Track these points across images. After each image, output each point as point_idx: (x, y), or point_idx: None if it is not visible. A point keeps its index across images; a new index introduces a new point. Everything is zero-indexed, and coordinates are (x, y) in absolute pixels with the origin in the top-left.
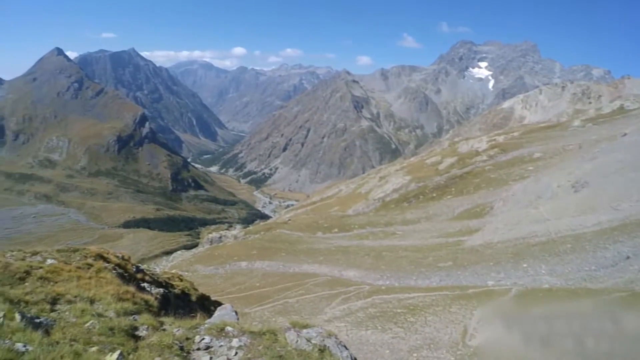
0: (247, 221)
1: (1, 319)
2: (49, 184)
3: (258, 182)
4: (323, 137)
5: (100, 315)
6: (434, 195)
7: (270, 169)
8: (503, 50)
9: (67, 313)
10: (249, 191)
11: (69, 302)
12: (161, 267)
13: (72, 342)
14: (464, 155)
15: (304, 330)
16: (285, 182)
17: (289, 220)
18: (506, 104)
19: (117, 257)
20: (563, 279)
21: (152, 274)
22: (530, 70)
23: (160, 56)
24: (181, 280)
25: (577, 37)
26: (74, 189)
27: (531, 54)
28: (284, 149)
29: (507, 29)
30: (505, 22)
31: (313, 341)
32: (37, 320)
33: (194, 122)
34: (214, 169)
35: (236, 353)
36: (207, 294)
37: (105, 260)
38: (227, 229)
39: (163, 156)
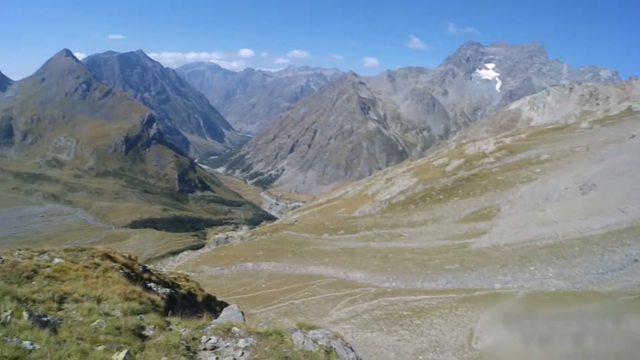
0: (253, 222)
1: (9, 317)
2: (56, 184)
3: (264, 183)
4: (330, 139)
5: (107, 314)
6: (441, 197)
7: (277, 171)
8: (510, 52)
9: (74, 312)
10: (255, 192)
11: (76, 301)
12: (167, 267)
13: (79, 341)
14: (471, 157)
15: (311, 332)
16: (292, 184)
17: (296, 221)
18: (513, 106)
19: (124, 256)
20: (570, 282)
21: (159, 274)
22: (538, 72)
23: (168, 58)
24: (187, 280)
25: (585, 38)
26: (81, 189)
27: (538, 55)
28: (291, 151)
29: (514, 30)
30: (513, 23)
31: (319, 342)
32: (45, 319)
33: (201, 123)
34: (220, 170)
35: (242, 353)
36: (213, 295)
37: (112, 259)
38: (233, 230)
39: (170, 157)
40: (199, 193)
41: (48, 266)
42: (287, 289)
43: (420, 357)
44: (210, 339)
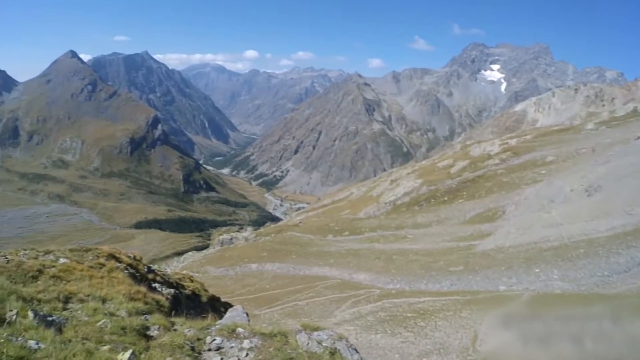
0: (257, 223)
1: (14, 317)
2: (62, 184)
3: (269, 184)
4: (334, 140)
5: (112, 314)
6: (446, 198)
7: (282, 172)
8: (515, 53)
9: (79, 312)
10: (260, 193)
11: (81, 301)
12: (172, 268)
13: (84, 341)
14: (476, 159)
15: (315, 333)
16: (297, 185)
17: (300, 222)
18: (519, 107)
19: (129, 257)
20: (575, 284)
21: (163, 275)
22: (543, 73)
23: (173, 59)
24: (192, 281)
25: (590, 39)
26: (86, 190)
27: (543, 56)
28: (296, 152)
29: (519, 31)
30: (518, 24)
31: (324, 344)
32: (50, 319)
33: (206, 125)
34: (225, 171)
35: (247, 354)
36: (218, 295)
37: (117, 260)
38: (237, 231)
39: (175, 158)
40: (203, 194)
41: (53, 266)
42: (291, 290)
43: (424, 359)
44: (215, 339)
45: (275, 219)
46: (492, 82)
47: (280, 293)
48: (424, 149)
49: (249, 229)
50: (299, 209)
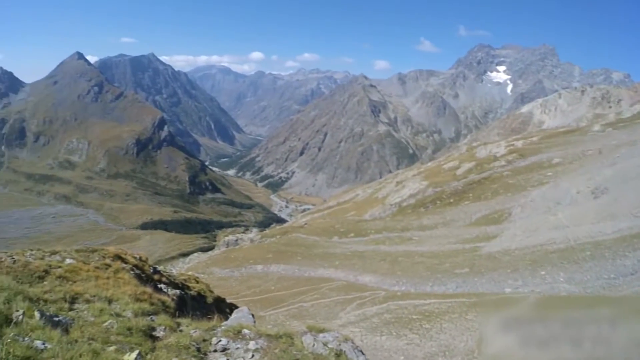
0: (263, 225)
1: (21, 317)
2: (68, 185)
3: (275, 185)
4: (340, 142)
5: (118, 315)
6: (451, 200)
7: (287, 173)
8: (521, 54)
9: (85, 312)
10: (265, 195)
11: (87, 301)
12: (177, 269)
13: (91, 341)
14: (482, 161)
15: (321, 335)
16: (302, 186)
17: (305, 224)
18: (525, 109)
19: (135, 258)
20: (581, 287)
21: (169, 276)
22: (549, 74)
23: (179, 61)
24: (197, 282)
25: (596, 41)
26: (93, 190)
27: (550, 57)
28: (301, 153)
29: (525, 33)
30: (523, 26)
31: (329, 345)
32: (56, 319)
33: (212, 126)
34: (231, 172)
35: (253, 355)
36: (223, 297)
37: (123, 260)
38: (243, 232)
39: (181, 159)
40: (209, 195)
41: (59, 266)
42: (297, 291)
43: None
44: (220, 340)
45: (281, 221)
46: (498, 83)
47: (285, 294)
48: (430, 151)
49: (255, 230)
50: (304, 210)
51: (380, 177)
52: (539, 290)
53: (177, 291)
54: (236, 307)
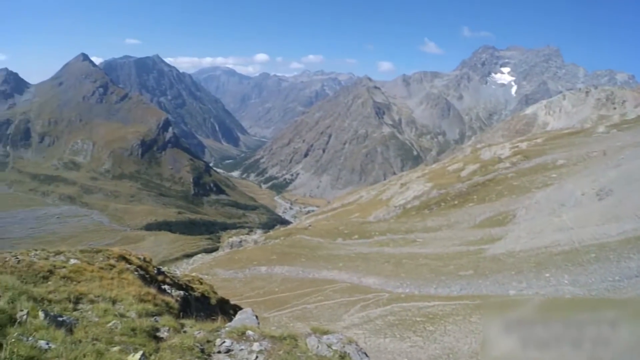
0: (267, 226)
1: (25, 317)
2: (73, 186)
3: (279, 187)
4: (344, 143)
5: (122, 315)
6: (456, 202)
7: (292, 175)
8: (526, 55)
9: (89, 312)
10: (269, 196)
11: (91, 301)
12: (181, 270)
13: (95, 342)
14: (487, 162)
15: (325, 336)
16: (306, 188)
17: (309, 226)
18: (529, 110)
19: (139, 258)
20: (586, 289)
21: (173, 277)
22: (554, 76)
23: (184, 62)
24: (201, 283)
25: (600, 42)
26: (97, 191)
27: (554, 58)
28: (305, 155)
29: (529, 34)
30: (528, 27)
31: (334, 347)
32: (60, 319)
33: (217, 128)
34: (235, 173)
35: (257, 357)
36: (227, 298)
37: (127, 261)
38: (247, 234)
39: (185, 160)
40: (213, 196)
41: (64, 267)
42: (300, 293)
43: None
44: (224, 342)
45: (285, 222)
46: (503, 85)
47: (289, 296)
48: (434, 153)
49: (259, 231)
50: (308, 212)
51: (385, 179)
52: (543, 293)
53: (181, 292)
54: (240, 309)
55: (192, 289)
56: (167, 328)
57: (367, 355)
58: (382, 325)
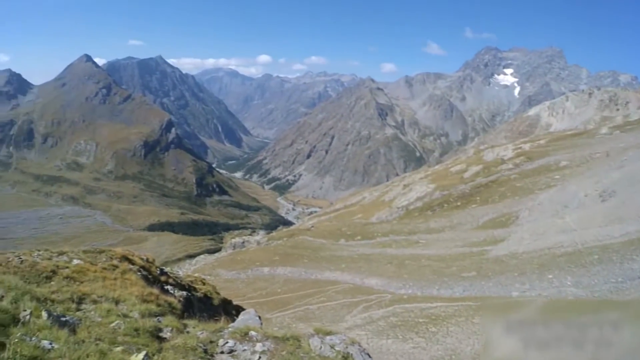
0: (270, 227)
1: (28, 317)
2: (76, 186)
3: (282, 188)
4: (347, 145)
5: (125, 315)
6: (459, 203)
7: (294, 176)
8: (529, 57)
9: (92, 313)
10: (272, 197)
11: (94, 302)
12: (184, 271)
13: (98, 342)
14: (489, 164)
15: (328, 337)
16: (309, 189)
17: (312, 227)
18: (532, 111)
19: (142, 259)
20: (589, 290)
21: (176, 277)
22: (557, 77)
23: (187, 63)
24: (204, 283)
25: (603, 43)
26: (100, 192)
27: (557, 60)
28: (308, 156)
29: (532, 35)
30: (530, 28)
31: (337, 348)
32: (63, 319)
33: (220, 129)
34: (238, 174)
35: (260, 357)
36: (229, 299)
37: (130, 262)
38: (250, 235)
39: (188, 161)
40: (216, 197)
41: (67, 267)
42: (303, 294)
43: None
44: (227, 342)
45: (288, 223)
46: (506, 86)
47: (291, 297)
48: (437, 154)
49: (261, 232)
50: (311, 213)
51: (387, 180)
52: (546, 294)
53: (184, 293)
54: (242, 309)
55: (194, 289)
56: (170, 328)
57: (369, 357)
58: (385, 327)
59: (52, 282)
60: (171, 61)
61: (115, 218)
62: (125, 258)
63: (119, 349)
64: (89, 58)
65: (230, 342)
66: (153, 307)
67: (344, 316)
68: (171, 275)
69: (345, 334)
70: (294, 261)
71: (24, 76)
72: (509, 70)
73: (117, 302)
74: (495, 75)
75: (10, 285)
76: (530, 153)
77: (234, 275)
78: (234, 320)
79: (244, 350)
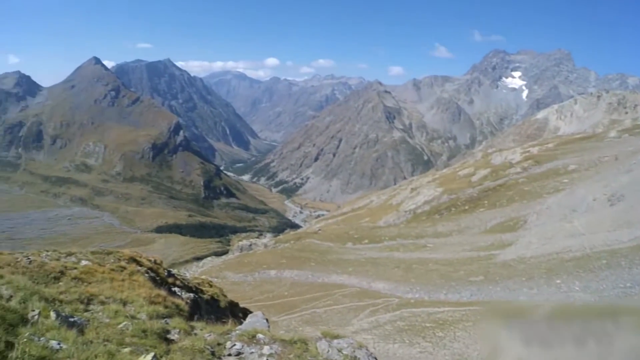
0: (277, 230)
1: (36, 317)
2: (84, 188)
3: (289, 191)
4: (355, 148)
5: (133, 317)
6: (466, 207)
7: (302, 179)
8: (537, 59)
9: (100, 313)
10: (280, 200)
11: (102, 303)
12: (191, 273)
13: (106, 342)
14: (497, 167)
15: (335, 341)
16: (317, 192)
17: (319, 230)
18: (540, 115)
19: (150, 261)
20: (597, 295)
21: (183, 279)
22: (565, 80)
23: (195, 66)
24: (211, 286)
25: (611, 46)
26: (108, 194)
27: (565, 62)
28: (316, 159)
29: (540, 38)
30: (539, 31)
31: (344, 352)
32: (72, 320)
33: (227, 131)
34: (245, 177)
35: None
36: (236, 301)
37: (138, 263)
38: (257, 237)
39: (196, 164)
40: (224, 200)
41: (75, 268)
42: (310, 297)
43: None
44: (235, 344)
45: (295, 226)
46: (514, 89)
47: (298, 300)
48: (445, 157)
49: (269, 235)
50: (318, 216)
51: (395, 184)
52: (554, 299)
53: (191, 295)
54: (249, 312)
55: (202, 291)
56: (178, 330)
57: None
58: (392, 331)
59: (61, 283)
60: (179, 64)
61: (123, 220)
62: (133, 259)
63: (127, 350)
64: (98, 61)
65: (238, 345)
66: (160, 308)
67: (350, 320)
68: (178, 277)
69: (352, 337)
70: (301, 264)
71: (34, 78)
72: (517, 73)
73: (124, 304)
74: (503, 78)
75: (18, 285)
76: (538, 157)
77: (241, 277)
78: (241, 323)
79: (252, 352)
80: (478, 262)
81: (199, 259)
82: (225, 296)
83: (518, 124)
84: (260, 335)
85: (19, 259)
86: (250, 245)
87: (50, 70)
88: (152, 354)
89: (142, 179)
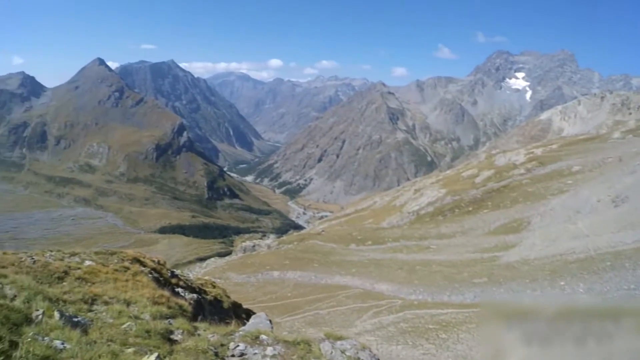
0: (280, 231)
1: (40, 317)
2: (88, 188)
3: (293, 192)
4: (358, 149)
5: (136, 317)
6: (470, 209)
7: (305, 180)
8: (540, 60)
9: (104, 314)
10: (283, 201)
11: (106, 303)
12: (194, 273)
13: (109, 343)
14: (501, 169)
15: (338, 342)
16: (320, 193)
17: (323, 231)
18: (544, 116)
19: (153, 261)
20: (601, 297)
21: (186, 280)
22: (568, 81)
23: (199, 67)
24: (214, 287)
25: (615, 46)
26: (112, 194)
27: (569, 63)
28: (319, 160)
29: (544, 39)
30: (542, 32)
31: (347, 353)
32: (75, 320)
33: (231, 132)
34: (249, 178)
35: None
36: (239, 302)
37: (142, 264)
38: (260, 238)
39: (200, 165)
40: (227, 201)
41: (79, 268)
42: (313, 298)
43: None
44: (238, 345)
45: (298, 227)
46: (517, 90)
47: (301, 301)
48: (448, 159)
49: (272, 236)
50: (321, 217)
51: (398, 185)
52: (558, 301)
53: (194, 295)
54: (252, 313)
55: (205, 292)
56: (181, 331)
57: None
58: (395, 332)
59: (64, 283)
60: (183, 65)
61: (126, 220)
62: (137, 260)
63: (130, 350)
64: (102, 62)
65: (241, 346)
66: (164, 309)
67: (353, 321)
68: (182, 277)
69: (356, 339)
70: (304, 265)
71: (38, 79)
72: (520, 74)
73: (128, 304)
74: (507, 79)
75: (22, 285)
76: (542, 158)
77: (244, 278)
78: (244, 324)
79: (255, 353)
80: (482, 263)
81: (202, 259)
82: (228, 297)
83: (522, 125)
84: (263, 336)
85: (23, 259)
86: (254, 246)
87: (54, 71)
88: (155, 354)
89: (145, 179)
